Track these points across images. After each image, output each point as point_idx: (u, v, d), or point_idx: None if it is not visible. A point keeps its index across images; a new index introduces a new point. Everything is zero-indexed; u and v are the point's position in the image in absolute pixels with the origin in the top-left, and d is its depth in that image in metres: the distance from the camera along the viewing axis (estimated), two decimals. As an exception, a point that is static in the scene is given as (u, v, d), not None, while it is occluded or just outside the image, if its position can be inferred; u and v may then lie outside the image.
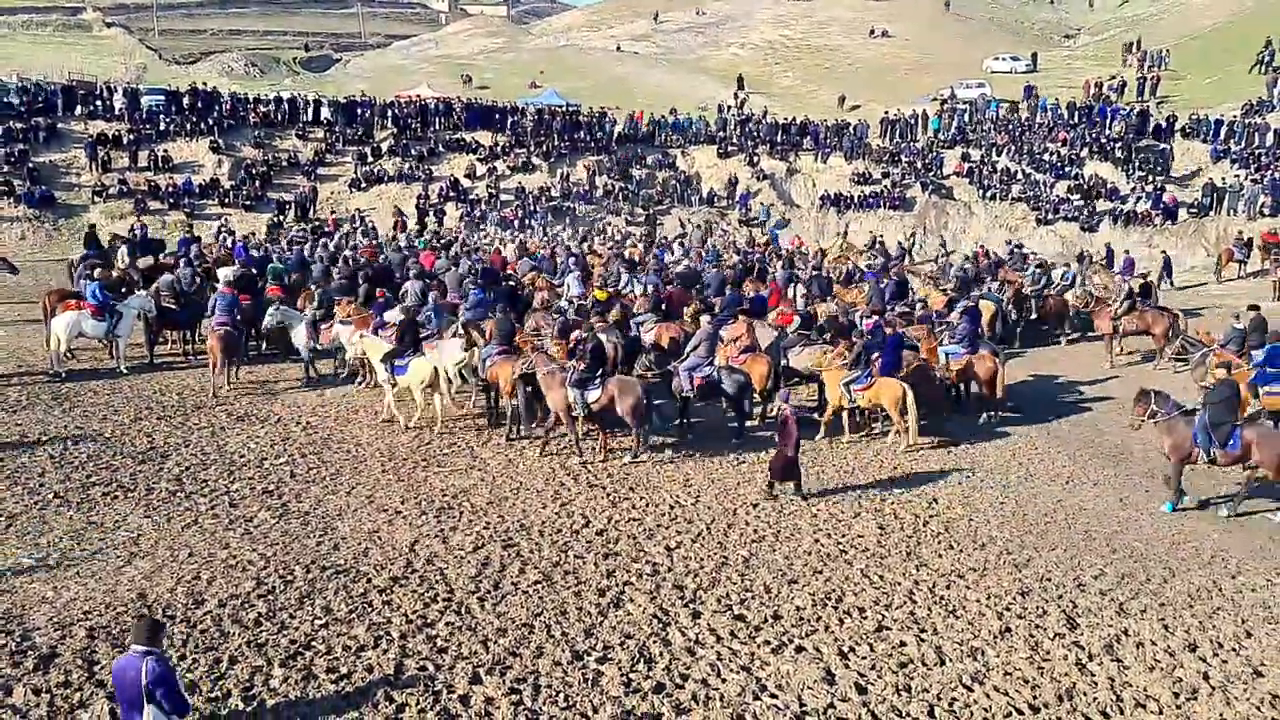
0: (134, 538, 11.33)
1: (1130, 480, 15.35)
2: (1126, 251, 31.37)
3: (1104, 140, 43.39)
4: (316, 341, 18.90)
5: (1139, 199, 38.92)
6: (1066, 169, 42.44)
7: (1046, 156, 43.61)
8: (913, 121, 49.21)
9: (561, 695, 8.50)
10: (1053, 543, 12.55)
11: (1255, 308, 19.84)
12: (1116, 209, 38.55)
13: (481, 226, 39.06)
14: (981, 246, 33.95)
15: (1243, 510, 13.91)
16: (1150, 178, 40.12)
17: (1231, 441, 13.48)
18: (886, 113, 49.83)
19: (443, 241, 31.94)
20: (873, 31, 73.48)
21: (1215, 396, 13.88)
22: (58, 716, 7.81)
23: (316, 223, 37.34)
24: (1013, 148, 44.96)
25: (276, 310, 19.32)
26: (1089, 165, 42.31)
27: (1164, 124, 42.81)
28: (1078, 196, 40.41)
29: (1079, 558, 12.07)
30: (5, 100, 39.93)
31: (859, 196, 43.92)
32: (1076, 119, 46.02)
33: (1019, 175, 43.01)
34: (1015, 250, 31.78)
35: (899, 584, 11.08)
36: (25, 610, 9.38)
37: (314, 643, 9.13)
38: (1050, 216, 39.68)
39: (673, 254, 31.45)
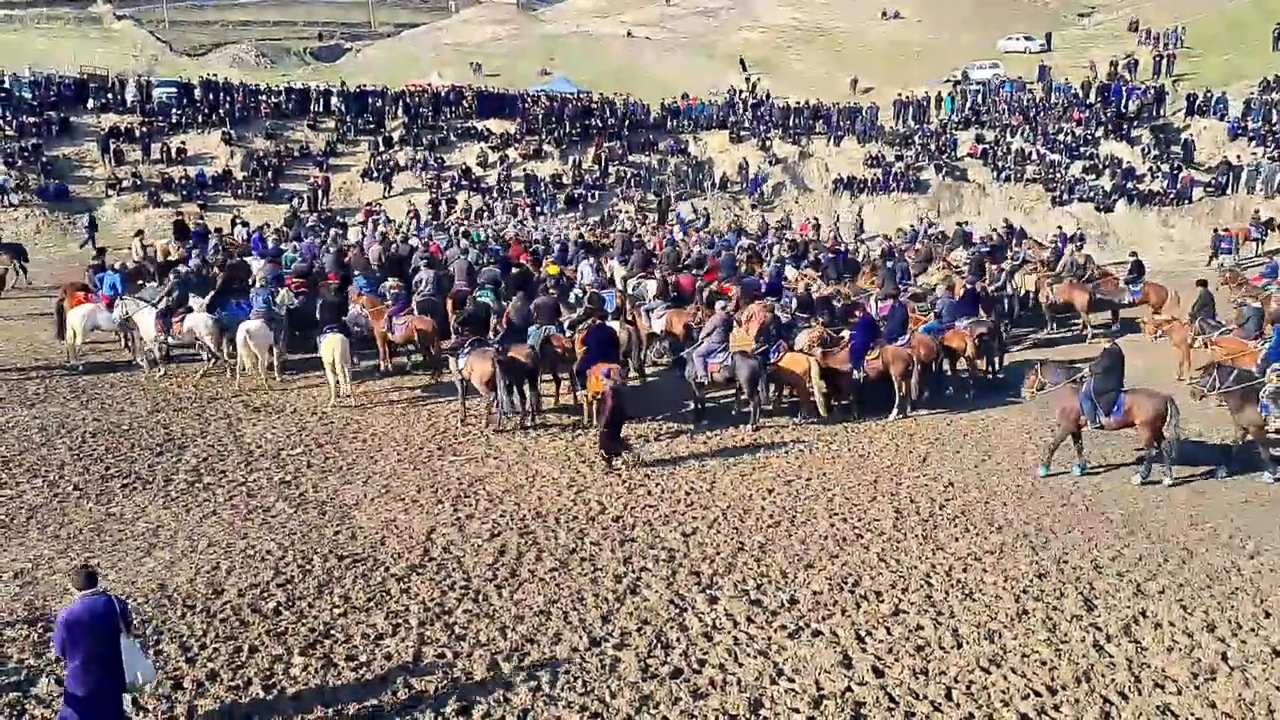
0: (153, 529, 11.42)
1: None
2: (1059, 228, 33.25)
3: (1119, 120, 43.04)
4: (168, 333, 18.19)
5: (1155, 178, 38.63)
6: (1081, 149, 42.13)
7: (1061, 137, 43.29)
8: (925, 103, 48.91)
9: (579, 681, 8.53)
10: (1070, 525, 12.52)
11: (1203, 283, 20.61)
12: (1132, 189, 38.28)
13: (490, 214, 39.00)
14: (994, 229, 33.70)
15: (1261, 488, 13.88)
16: (1166, 157, 39.82)
17: (1115, 407, 14.11)
18: (899, 95, 49.51)
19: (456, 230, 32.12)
20: (884, 13, 72.95)
21: (1100, 365, 14.46)
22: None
23: (328, 213, 37.39)
24: (1027, 128, 44.62)
25: (123, 300, 18.77)
26: (1104, 145, 41.98)
27: (1186, 103, 42.46)
28: (1093, 176, 40.12)
29: (1096, 539, 12.03)
30: (18, 94, 40.04)
31: (872, 179, 43.69)
32: (1092, 98, 45.62)
33: (1033, 156, 42.71)
34: (959, 230, 31.94)
35: (916, 567, 11.07)
36: (47, 601, 9.47)
37: (333, 631, 9.19)
38: (1065, 197, 39.40)
39: (686, 240, 31.33)
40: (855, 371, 17.20)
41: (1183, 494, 13.80)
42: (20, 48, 64.62)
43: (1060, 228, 33.85)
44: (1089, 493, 13.78)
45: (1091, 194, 38.94)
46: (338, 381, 16.75)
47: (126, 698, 7.24)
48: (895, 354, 17.25)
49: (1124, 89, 45.35)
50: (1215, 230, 32.04)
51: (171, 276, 19.88)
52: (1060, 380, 14.90)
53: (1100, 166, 40.47)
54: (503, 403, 15.50)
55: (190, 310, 18.25)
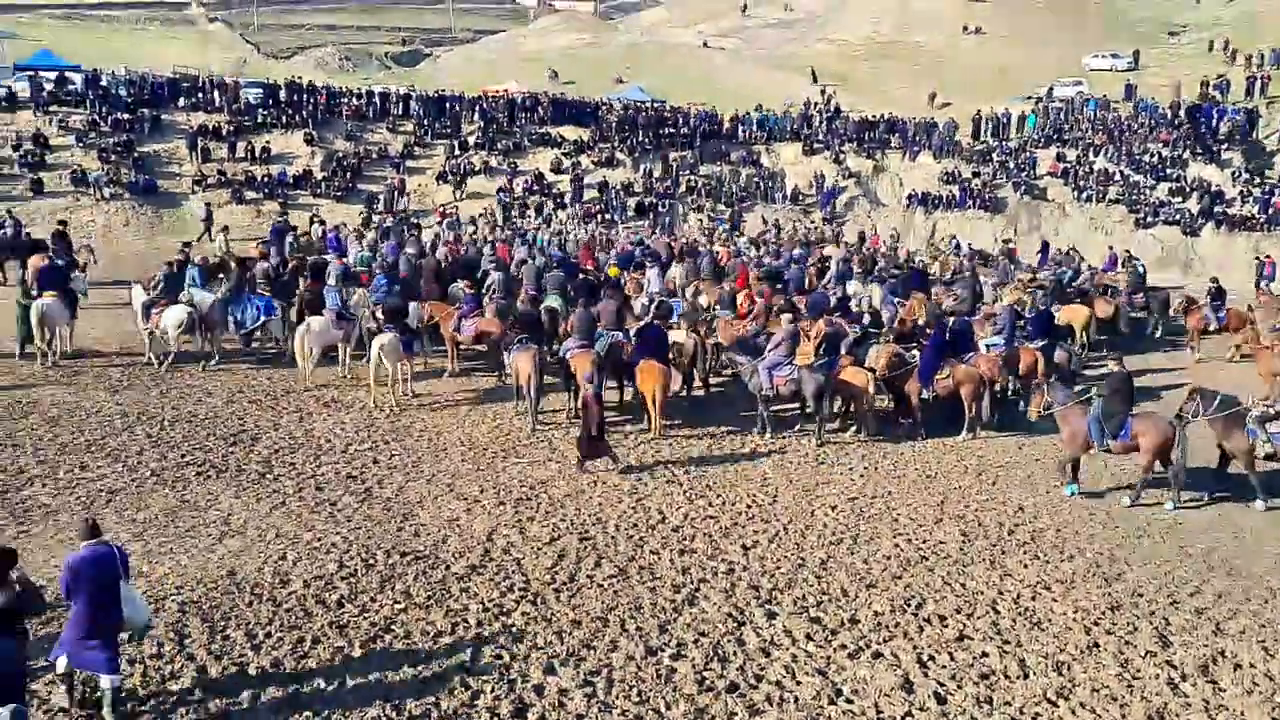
0: (224, 517, 11.66)
1: (1229, 496, 14.77)
2: (1110, 248, 33.32)
3: (1209, 141, 41.88)
4: (147, 324, 18.53)
5: (1245, 202, 37.50)
6: (1168, 170, 41.05)
7: (1146, 157, 42.24)
8: (1005, 120, 48.08)
9: (635, 690, 8.48)
10: (1145, 557, 12.15)
11: None
12: (1220, 212, 37.22)
13: (550, 221, 39.06)
14: (1072, 250, 33.07)
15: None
16: (1259, 180, 38.64)
17: (1123, 431, 14.01)
18: (978, 111, 48.79)
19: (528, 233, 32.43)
20: (966, 28, 72.05)
21: (1108, 387, 14.41)
22: (150, 685, 8.07)
23: (403, 214, 37.91)
24: (1111, 148, 43.63)
25: (133, 288, 19.31)
26: (1192, 167, 40.88)
27: None
28: (1179, 199, 39.07)
29: (1174, 573, 11.66)
30: (114, 92, 41.31)
31: (948, 196, 43.07)
32: (1181, 118, 44.43)
33: (1117, 176, 41.74)
34: (1004, 248, 31.80)
35: (982, 593, 10.83)
36: (120, 584, 9.70)
37: (394, 626, 9.28)
38: (1150, 220, 38.43)
39: (755, 251, 31.18)
40: (924, 390, 16.95)
41: (1270, 530, 13.32)
42: (117, 48, 66.80)
43: (1111, 248, 33.31)
44: (1167, 524, 13.38)
45: (1177, 217, 37.92)
46: (385, 381, 16.90)
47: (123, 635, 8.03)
48: (966, 374, 16.95)
49: (1215, 110, 44.10)
50: (1258, 258, 31.35)
51: (160, 270, 19.66)
52: (1067, 402, 14.74)
53: (1187, 189, 39.40)
54: (530, 402, 16.24)
55: (178, 303, 18.45)
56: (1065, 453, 14.72)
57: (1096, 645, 9.73)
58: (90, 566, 7.43)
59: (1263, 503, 14.04)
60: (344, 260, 22.87)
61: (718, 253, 29.25)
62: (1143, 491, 14.16)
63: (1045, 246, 33.83)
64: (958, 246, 34.04)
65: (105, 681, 7.51)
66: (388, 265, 22.56)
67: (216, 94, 43.19)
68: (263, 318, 19.36)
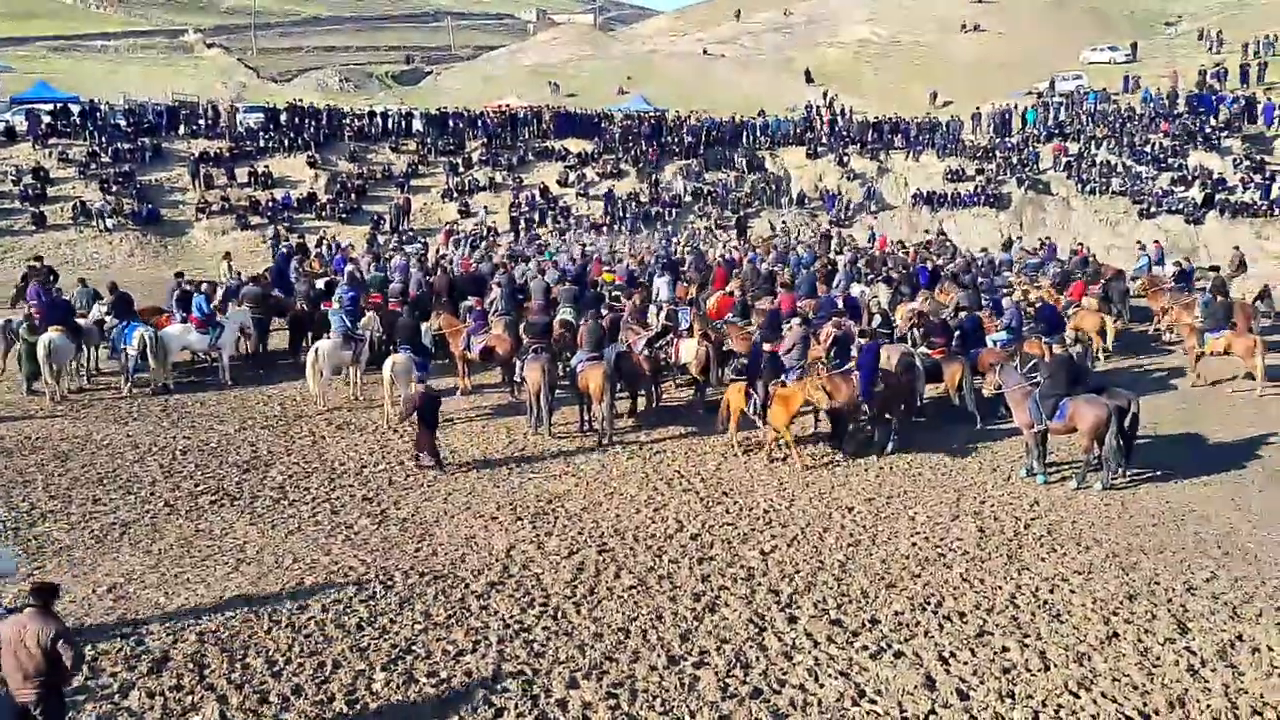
0: (240, 545, 11.67)
1: (1241, 480, 14.75)
2: (1080, 244, 33.06)
3: (1209, 130, 41.80)
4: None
5: (1247, 189, 37.37)
6: (1169, 160, 40.98)
7: (1148, 148, 42.18)
8: (1007, 116, 48.08)
9: (658, 700, 8.49)
10: (1161, 545, 12.15)
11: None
12: (1223, 200, 37.11)
13: (565, 233, 39.11)
14: (1081, 245, 32.99)
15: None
16: (1260, 167, 38.51)
17: (1059, 412, 14.25)
18: (978, 108, 48.83)
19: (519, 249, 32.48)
20: (964, 26, 72.02)
21: (1047, 370, 14.88)
22: (171, 717, 8.08)
23: (409, 234, 38.01)
24: (1112, 140, 43.58)
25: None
26: (1193, 156, 40.79)
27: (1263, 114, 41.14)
28: (1182, 188, 38.98)
29: (1189, 560, 11.66)
30: (113, 122, 41.46)
31: (952, 194, 43.06)
32: (1181, 108, 44.36)
33: (1119, 168, 41.67)
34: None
35: (1000, 588, 10.83)
36: (139, 615, 9.73)
37: (414, 647, 9.29)
38: (1153, 210, 38.34)
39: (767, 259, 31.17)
40: (866, 404, 16.21)
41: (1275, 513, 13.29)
42: (115, 78, 67.11)
43: (1081, 244, 33.19)
44: (1180, 513, 13.35)
45: (1180, 206, 37.84)
46: (393, 403, 16.87)
47: None
48: (950, 371, 17.27)
49: (1213, 99, 44.01)
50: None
51: (245, 296, 20.73)
52: (1014, 383, 15.15)
53: (1189, 178, 39.32)
54: (541, 411, 16.40)
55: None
56: (1027, 436, 14.97)
57: (1116, 635, 9.75)
58: None
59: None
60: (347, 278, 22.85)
61: (730, 258, 29.31)
62: (1087, 474, 14.48)
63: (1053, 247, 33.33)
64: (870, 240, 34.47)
65: None
66: (445, 285, 22.48)
67: (217, 119, 43.35)
68: (122, 346, 18.29)
